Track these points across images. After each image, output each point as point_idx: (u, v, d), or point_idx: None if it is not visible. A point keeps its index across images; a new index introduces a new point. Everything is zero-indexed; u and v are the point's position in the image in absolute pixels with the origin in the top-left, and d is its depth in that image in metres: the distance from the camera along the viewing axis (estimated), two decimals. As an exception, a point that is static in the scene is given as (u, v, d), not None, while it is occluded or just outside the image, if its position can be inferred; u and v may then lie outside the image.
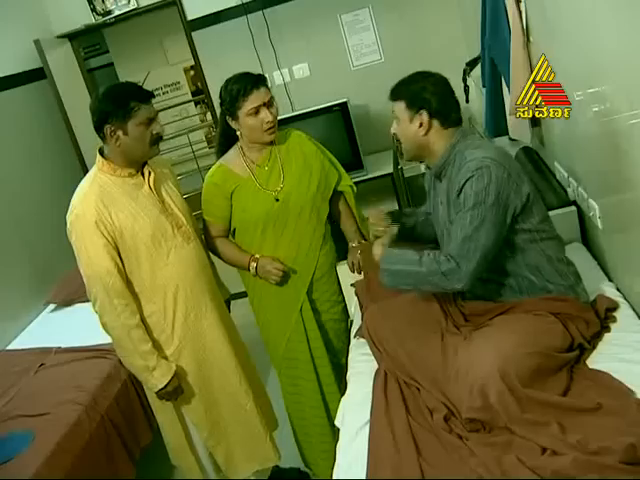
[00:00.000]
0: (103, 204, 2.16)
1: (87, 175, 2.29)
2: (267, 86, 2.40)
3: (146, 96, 2.18)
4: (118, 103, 2.13)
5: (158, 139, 2.22)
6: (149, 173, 2.27)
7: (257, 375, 2.70)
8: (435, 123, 1.93)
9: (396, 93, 1.99)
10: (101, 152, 2.25)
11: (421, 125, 1.93)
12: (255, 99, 2.35)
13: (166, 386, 2.28)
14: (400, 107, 1.96)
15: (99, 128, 2.17)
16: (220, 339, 2.43)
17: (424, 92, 1.92)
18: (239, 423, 2.51)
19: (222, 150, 2.55)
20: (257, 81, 2.37)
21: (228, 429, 2.51)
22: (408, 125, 1.95)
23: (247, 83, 2.36)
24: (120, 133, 2.14)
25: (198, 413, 2.45)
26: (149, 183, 2.26)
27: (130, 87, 2.23)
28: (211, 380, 2.44)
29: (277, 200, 2.45)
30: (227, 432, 2.51)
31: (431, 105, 1.91)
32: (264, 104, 2.35)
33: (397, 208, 2.36)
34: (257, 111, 2.35)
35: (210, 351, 2.42)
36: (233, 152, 2.53)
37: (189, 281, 2.31)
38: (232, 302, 2.75)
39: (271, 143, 2.49)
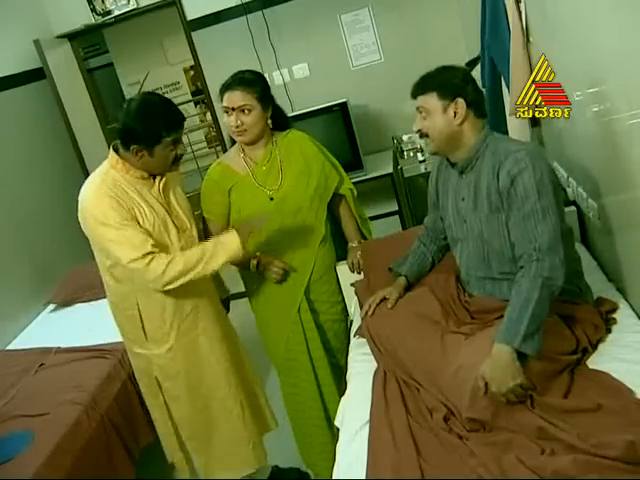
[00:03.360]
0: (117, 196, 2.14)
1: (97, 170, 2.24)
2: (248, 91, 2.35)
3: (178, 123, 2.16)
4: (149, 129, 2.10)
5: (179, 159, 2.22)
6: (160, 177, 2.26)
7: (253, 377, 2.66)
8: (470, 112, 1.91)
9: (424, 86, 1.94)
10: (115, 149, 2.22)
11: (456, 114, 1.90)
12: (225, 100, 2.38)
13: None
14: (430, 98, 1.91)
15: (125, 144, 2.14)
16: (215, 343, 2.42)
17: (457, 79, 1.90)
18: (224, 429, 2.48)
19: (234, 143, 2.57)
20: (236, 83, 2.37)
21: (212, 434, 2.48)
22: (441, 115, 1.91)
23: (227, 82, 2.39)
24: (145, 153, 2.14)
25: (184, 413, 2.43)
26: (159, 186, 2.26)
27: (164, 112, 2.15)
28: (201, 383, 2.42)
29: (271, 199, 2.46)
30: (210, 437, 2.48)
31: (467, 93, 1.89)
32: (232, 109, 2.35)
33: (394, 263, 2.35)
34: (229, 112, 2.38)
35: (204, 354, 2.40)
36: (233, 150, 2.54)
37: (190, 285, 2.30)
38: (232, 302, 2.75)
39: (272, 142, 2.50)
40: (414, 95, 1.97)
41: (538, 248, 1.78)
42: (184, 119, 2.21)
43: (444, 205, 2.13)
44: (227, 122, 2.41)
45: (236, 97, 2.35)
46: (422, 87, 1.94)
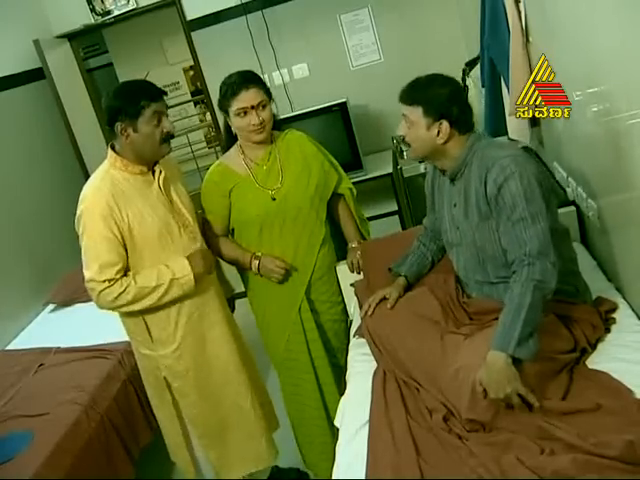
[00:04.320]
0: (114, 200, 2.16)
1: (98, 170, 2.27)
2: (260, 87, 2.37)
3: (157, 94, 2.18)
4: (128, 100, 2.13)
5: (168, 137, 2.22)
6: (160, 172, 2.27)
7: (258, 375, 2.69)
8: (454, 132, 1.90)
9: (411, 97, 1.92)
10: (112, 147, 2.24)
11: (439, 133, 1.89)
12: (241, 101, 2.35)
13: (195, 273, 2.25)
14: (416, 112, 1.90)
15: (111, 125, 2.17)
16: (222, 340, 2.43)
17: (444, 99, 1.87)
18: (236, 424, 2.51)
19: (228, 144, 2.57)
20: (247, 82, 2.35)
21: (224, 429, 2.50)
22: (424, 131, 1.90)
23: (237, 83, 2.36)
24: (130, 130, 2.15)
25: (195, 411, 2.45)
26: (159, 182, 2.27)
27: (141, 84, 2.23)
28: (211, 380, 2.44)
29: (273, 199, 2.46)
30: (223, 432, 2.50)
31: (452, 114, 1.88)
32: (252, 107, 2.34)
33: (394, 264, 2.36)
34: (245, 112, 2.35)
35: (211, 351, 2.42)
36: (233, 151, 2.53)
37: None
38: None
39: (271, 142, 2.50)
40: (401, 101, 1.96)
41: (528, 253, 1.77)
42: (164, 92, 2.22)
43: (440, 209, 2.13)
44: (242, 123, 2.37)
45: (253, 95, 2.34)
46: (409, 97, 1.93)
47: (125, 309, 2.24)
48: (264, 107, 2.37)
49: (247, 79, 2.37)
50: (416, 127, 1.92)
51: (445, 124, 1.88)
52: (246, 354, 2.60)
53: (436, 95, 1.88)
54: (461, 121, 1.91)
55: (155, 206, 2.24)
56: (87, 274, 2.18)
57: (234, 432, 2.52)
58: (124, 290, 2.17)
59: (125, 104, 2.13)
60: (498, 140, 1.95)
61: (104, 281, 2.15)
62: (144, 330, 2.33)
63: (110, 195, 2.16)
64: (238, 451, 2.55)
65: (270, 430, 2.65)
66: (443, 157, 1.96)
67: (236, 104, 2.35)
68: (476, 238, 1.96)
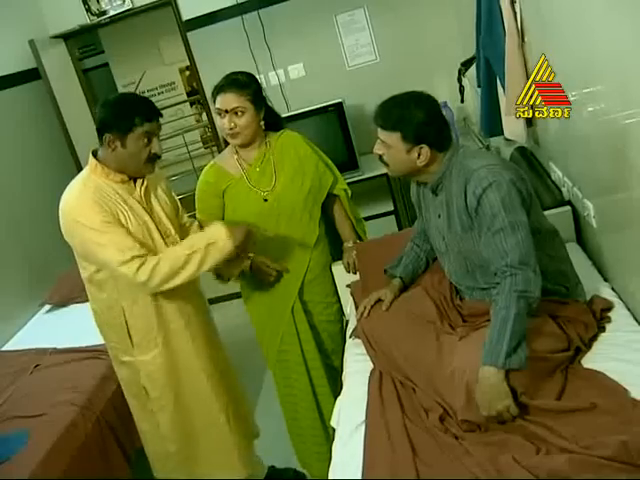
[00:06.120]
0: (99, 204, 2.11)
1: (78, 177, 2.23)
2: (240, 93, 2.36)
3: (153, 114, 2.14)
4: (122, 115, 2.09)
5: (154, 158, 2.18)
6: (142, 182, 2.23)
7: (237, 384, 2.64)
8: (435, 151, 1.90)
9: (387, 122, 1.90)
10: (94, 154, 2.21)
11: (419, 156, 1.89)
12: (218, 102, 2.38)
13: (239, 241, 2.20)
14: (394, 137, 1.88)
15: (99, 134, 2.13)
16: (202, 351, 2.39)
17: (421, 124, 1.86)
18: (210, 439, 2.43)
19: (226, 144, 2.58)
20: (228, 85, 2.37)
21: (200, 442, 2.43)
22: (404, 155, 1.90)
23: (220, 84, 2.40)
24: (118, 144, 2.11)
25: (171, 424, 2.38)
26: (140, 191, 2.23)
27: (139, 102, 2.17)
28: (188, 391, 2.38)
29: (265, 200, 2.46)
30: (198, 445, 2.43)
31: (431, 137, 1.87)
32: (226, 111, 2.36)
33: (390, 265, 2.35)
34: (221, 114, 2.38)
35: (192, 362, 2.37)
36: (227, 151, 2.54)
37: (176, 290, 2.24)
38: (228, 302, 2.73)
39: (265, 144, 2.50)
40: (376, 124, 1.94)
41: (510, 263, 1.77)
42: (160, 114, 2.18)
43: (426, 218, 2.14)
44: (220, 124, 2.41)
45: (229, 99, 2.35)
46: (385, 122, 1.91)
47: (167, 286, 2.13)
48: (242, 113, 2.37)
49: (229, 82, 2.38)
50: (395, 150, 1.91)
51: (426, 148, 1.88)
52: (226, 364, 2.56)
53: (413, 118, 1.86)
54: (440, 141, 1.91)
55: (136, 213, 2.20)
56: (114, 262, 2.08)
57: (208, 446, 2.44)
58: (157, 263, 2.09)
59: (118, 118, 2.09)
60: (475, 149, 1.95)
61: (132, 258, 2.07)
62: (125, 335, 2.28)
63: (96, 196, 2.12)
64: (210, 466, 2.47)
65: (249, 440, 2.60)
66: (423, 174, 1.97)
67: (216, 104, 2.39)
68: (462, 248, 1.96)
